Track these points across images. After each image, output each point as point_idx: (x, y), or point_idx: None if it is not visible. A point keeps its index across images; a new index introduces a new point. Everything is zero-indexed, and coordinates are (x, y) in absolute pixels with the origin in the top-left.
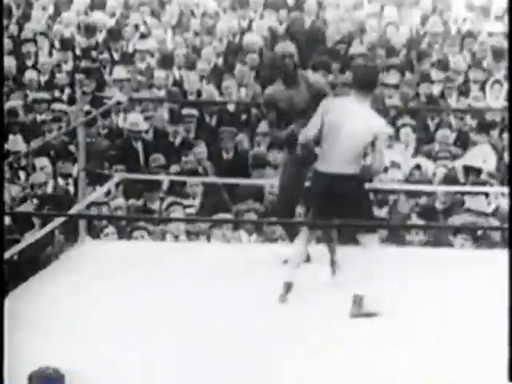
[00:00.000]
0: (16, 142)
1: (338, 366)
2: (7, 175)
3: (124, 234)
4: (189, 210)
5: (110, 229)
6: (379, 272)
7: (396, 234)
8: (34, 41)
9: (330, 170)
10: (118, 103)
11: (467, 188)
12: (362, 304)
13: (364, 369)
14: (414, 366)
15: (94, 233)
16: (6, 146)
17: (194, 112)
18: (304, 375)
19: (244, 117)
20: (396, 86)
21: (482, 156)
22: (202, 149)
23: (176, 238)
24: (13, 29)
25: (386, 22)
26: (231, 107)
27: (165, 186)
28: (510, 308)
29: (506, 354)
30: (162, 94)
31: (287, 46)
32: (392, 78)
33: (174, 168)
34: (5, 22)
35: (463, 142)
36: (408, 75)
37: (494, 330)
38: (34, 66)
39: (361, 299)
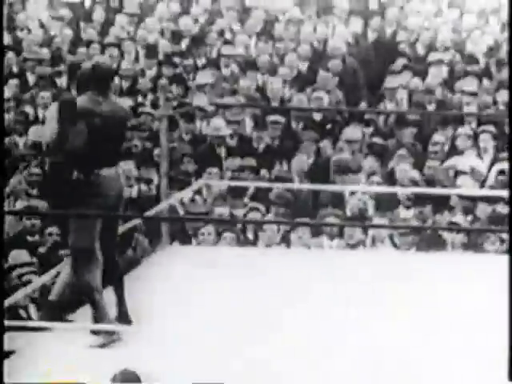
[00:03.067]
0: None
1: None
2: None
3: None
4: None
5: (207, 229)
6: None
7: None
8: (118, 46)
9: None
10: (201, 109)
11: None
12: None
13: None
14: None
15: (186, 237)
16: None
17: (280, 118)
18: None
19: (329, 123)
20: (474, 94)
21: None
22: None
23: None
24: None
25: (466, 30)
26: (318, 115)
27: (250, 192)
28: (510, 308)
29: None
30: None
31: None
32: (470, 85)
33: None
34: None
35: None
36: (486, 82)
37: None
38: (117, 72)
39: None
